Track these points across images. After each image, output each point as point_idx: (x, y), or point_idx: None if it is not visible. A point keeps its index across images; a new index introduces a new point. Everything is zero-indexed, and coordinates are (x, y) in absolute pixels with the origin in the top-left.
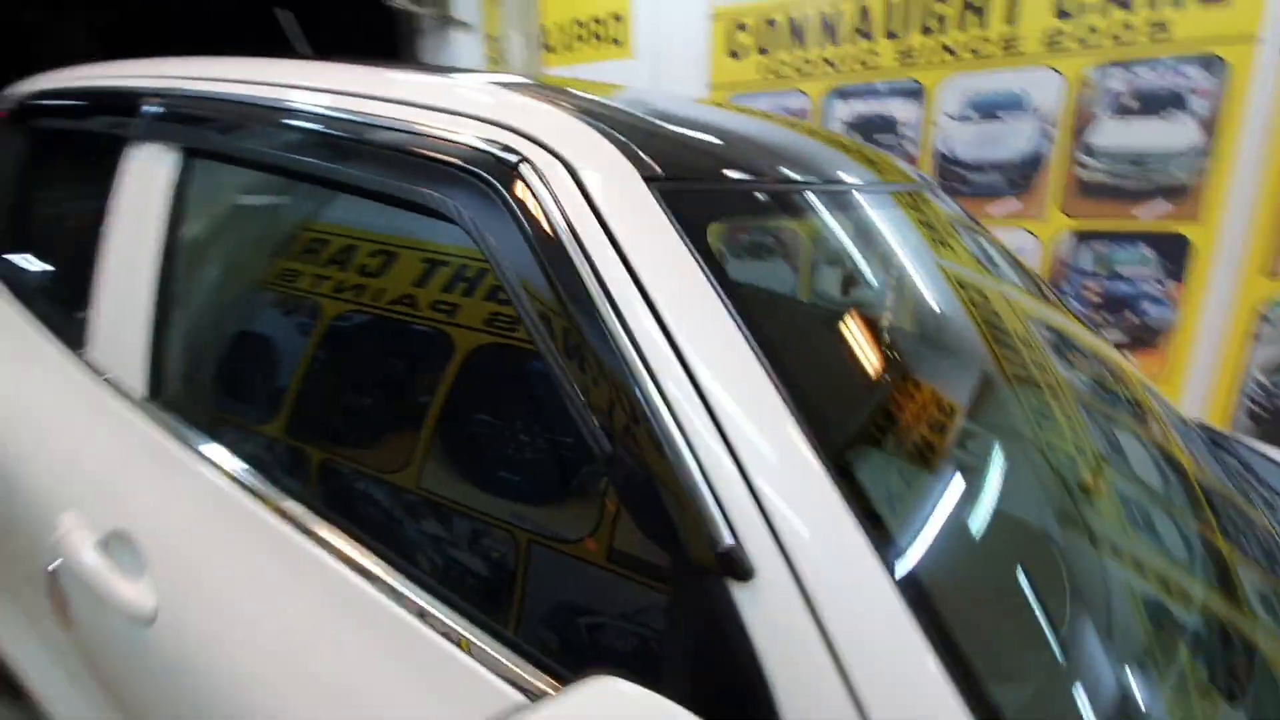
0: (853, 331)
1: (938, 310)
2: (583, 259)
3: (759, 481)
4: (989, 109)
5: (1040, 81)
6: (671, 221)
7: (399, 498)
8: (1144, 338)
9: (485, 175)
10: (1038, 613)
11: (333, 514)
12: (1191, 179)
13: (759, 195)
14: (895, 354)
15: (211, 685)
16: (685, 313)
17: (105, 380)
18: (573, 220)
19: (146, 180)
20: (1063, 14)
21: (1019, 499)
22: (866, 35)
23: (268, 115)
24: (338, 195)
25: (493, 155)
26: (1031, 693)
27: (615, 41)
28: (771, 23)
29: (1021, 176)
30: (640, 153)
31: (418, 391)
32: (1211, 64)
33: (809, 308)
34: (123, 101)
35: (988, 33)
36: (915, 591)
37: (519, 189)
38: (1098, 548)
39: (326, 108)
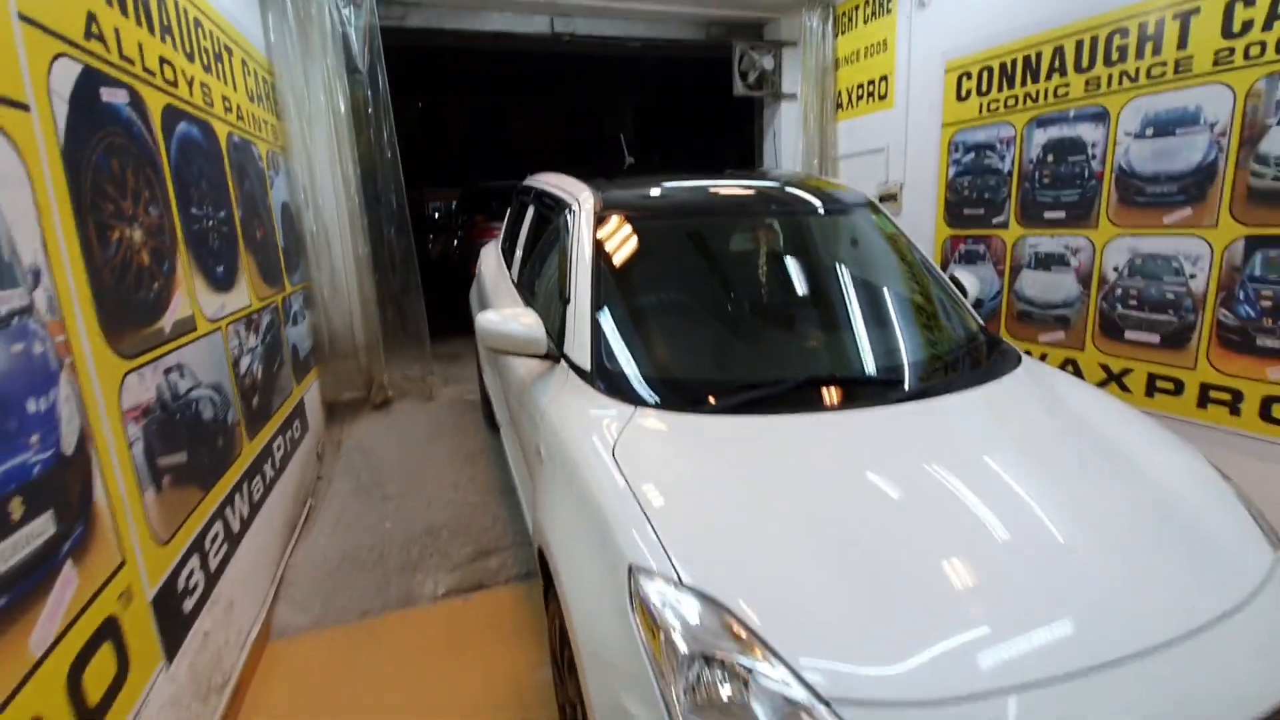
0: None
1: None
2: (576, 225)
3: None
4: (1165, 126)
5: (1212, 97)
6: (596, 223)
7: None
8: None
9: (570, 202)
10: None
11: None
12: None
13: (635, 216)
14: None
15: None
16: (583, 246)
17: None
18: (582, 217)
19: (548, 219)
20: (1229, 34)
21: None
22: (1061, 71)
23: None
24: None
25: (573, 197)
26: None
27: (882, 97)
28: (988, 69)
29: (1195, 186)
30: (604, 200)
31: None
32: None
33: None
34: (526, 190)
35: (1163, 57)
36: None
37: (571, 208)
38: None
39: (548, 185)
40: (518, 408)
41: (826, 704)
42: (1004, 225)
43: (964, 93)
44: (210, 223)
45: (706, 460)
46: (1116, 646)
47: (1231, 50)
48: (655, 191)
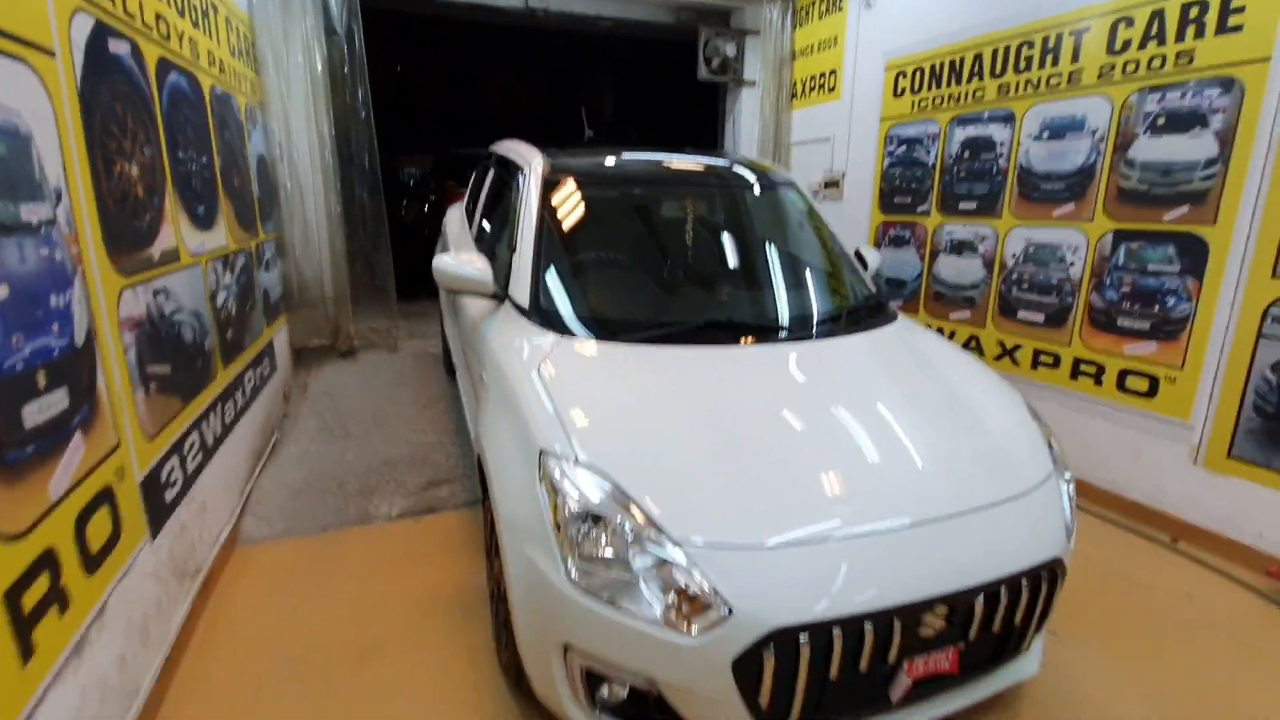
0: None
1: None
2: (526, 186)
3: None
4: (1058, 130)
5: (1095, 107)
6: (543, 185)
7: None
8: (1166, 329)
9: (523, 165)
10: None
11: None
12: (1209, 186)
13: (578, 180)
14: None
15: None
16: (530, 203)
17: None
18: (532, 179)
19: (505, 181)
20: (1111, 50)
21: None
22: (979, 75)
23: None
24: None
25: (526, 161)
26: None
27: (831, 89)
28: (920, 70)
29: (1078, 184)
30: (552, 165)
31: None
32: (1229, 84)
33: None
34: (489, 155)
35: (1060, 68)
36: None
37: (524, 170)
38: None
39: (507, 151)
40: (468, 344)
41: (679, 546)
42: (926, 213)
43: (900, 90)
44: (194, 166)
45: (616, 376)
46: (919, 512)
47: (1113, 66)
48: (599, 161)
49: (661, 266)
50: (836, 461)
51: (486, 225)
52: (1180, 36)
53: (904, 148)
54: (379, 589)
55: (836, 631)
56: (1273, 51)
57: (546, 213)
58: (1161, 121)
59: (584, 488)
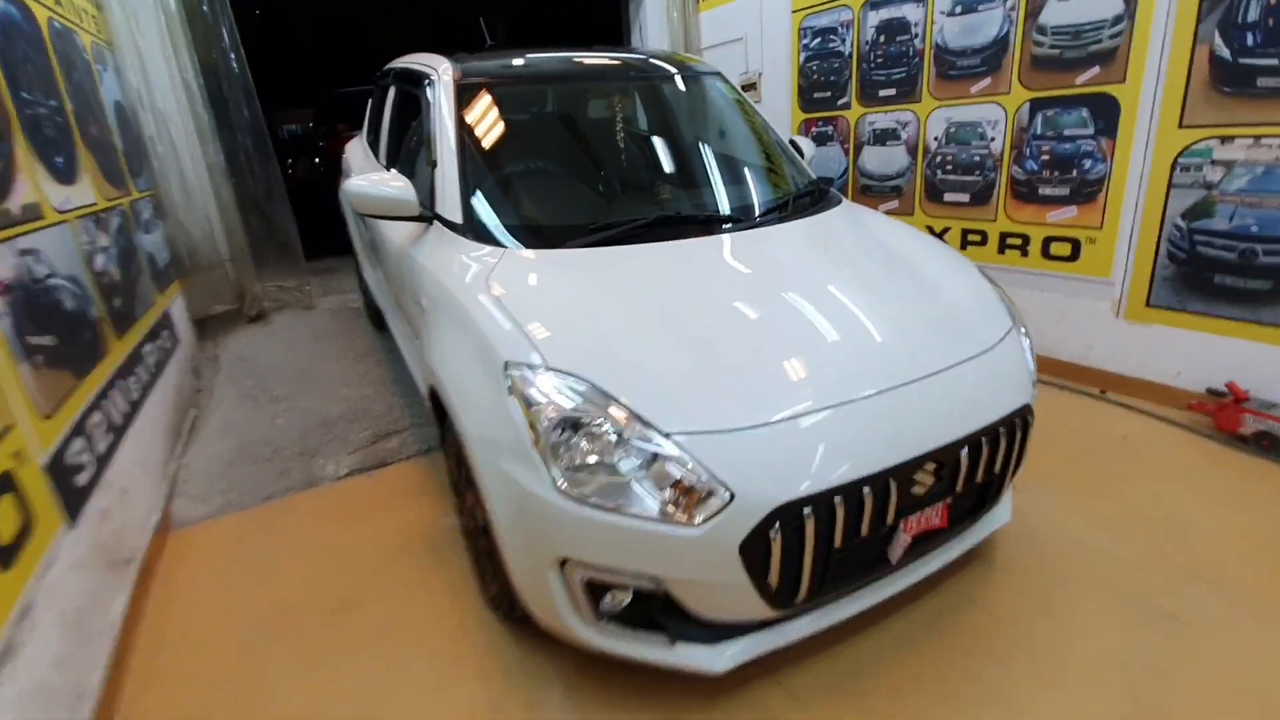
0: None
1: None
2: (437, 95)
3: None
4: (971, 3)
5: None
6: (457, 92)
7: None
8: (1085, 192)
9: (429, 74)
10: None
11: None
12: (1117, 45)
13: (495, 83)
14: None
15: None
16: (445, 113)
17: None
18: (441, 87)
19: (411, 96)
20: None
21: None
22: None
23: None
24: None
25: (432, 69)
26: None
27: None
28: None
29: (993, 57)
30: (463, 70)
31: None
32: None
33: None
34: (385, 73)
35: None
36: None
37: (431, 79)
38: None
39: (408, 64)
40: (398, 276)
41: (668, 436)
42: (847, 106)
43: None
44: (42, 110)
45: (567, 282)
46: (890, 380)
47: None
48: (511, 62)
49: (595, 167)
50: (806, 341)
51: (396, 147)
52: None
53: (819, 40)
54: (342, 543)
55: (838, 500)
56: None
57: (465, 121)
58: None
59: (558, 393)
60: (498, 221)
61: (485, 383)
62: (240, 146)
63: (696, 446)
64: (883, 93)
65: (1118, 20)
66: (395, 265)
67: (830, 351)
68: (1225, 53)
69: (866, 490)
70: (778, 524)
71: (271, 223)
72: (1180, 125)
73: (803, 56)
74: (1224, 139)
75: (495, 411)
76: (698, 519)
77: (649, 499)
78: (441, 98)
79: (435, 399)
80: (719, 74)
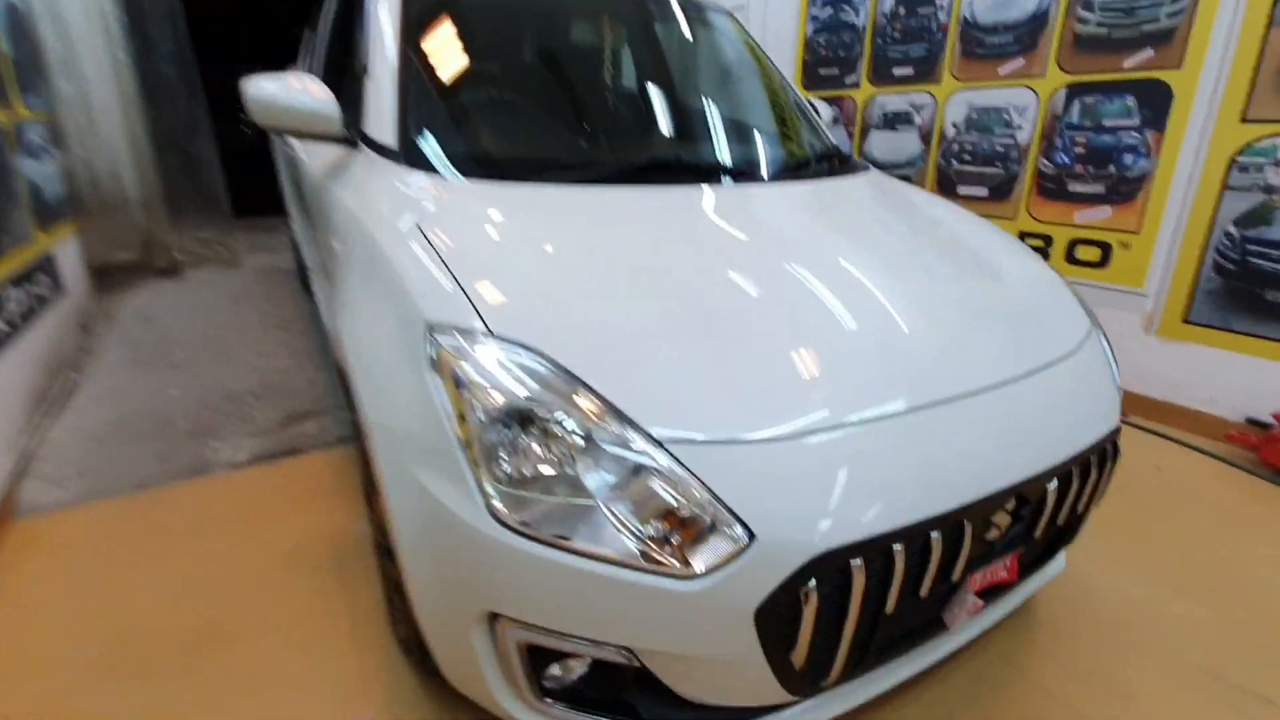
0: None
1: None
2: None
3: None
4: None
5: None
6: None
7: None
8: (1122, 190)
9: None
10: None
11: None
12: (1176, 24)
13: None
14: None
15: None
16: (388, 11)
17: None
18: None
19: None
20: None
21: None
22: None
23: None
24: None
25: None
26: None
27: None
28: None
29: (1028, 35)
30: None
31: None
32: None
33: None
34: None
35: None
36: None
37: None
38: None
39: None
40: (313, 213)
41: (662, 446)
42: (856, 85)
43: None
44: None
45: (532, 225)
46: (942, 390)
47: None
48: None
49: (573, 100)
50: (848, 327)
51: (326, 69)
52: None
53: (829, 9)
54: (226, 550)
55: (897, 549)
56: None
57: (410, 21)
58: None
59: (503, 371)
60: (442, 146)
61: (398, 353)
62: (163, 75)
63: (700, 461)
64: (898, 71)
65: None
66: (312, 199)
67: (880, 344)
68: None
69: (935, 536)
70: (813, 581)
71: (194, 165)
72: (1243, 119)
73: (810, 28)
74: None
75: (409, 393)
76: (698, 567)
77: (625, 533)
78: None
79: (342, 373)
80: (730, 14)
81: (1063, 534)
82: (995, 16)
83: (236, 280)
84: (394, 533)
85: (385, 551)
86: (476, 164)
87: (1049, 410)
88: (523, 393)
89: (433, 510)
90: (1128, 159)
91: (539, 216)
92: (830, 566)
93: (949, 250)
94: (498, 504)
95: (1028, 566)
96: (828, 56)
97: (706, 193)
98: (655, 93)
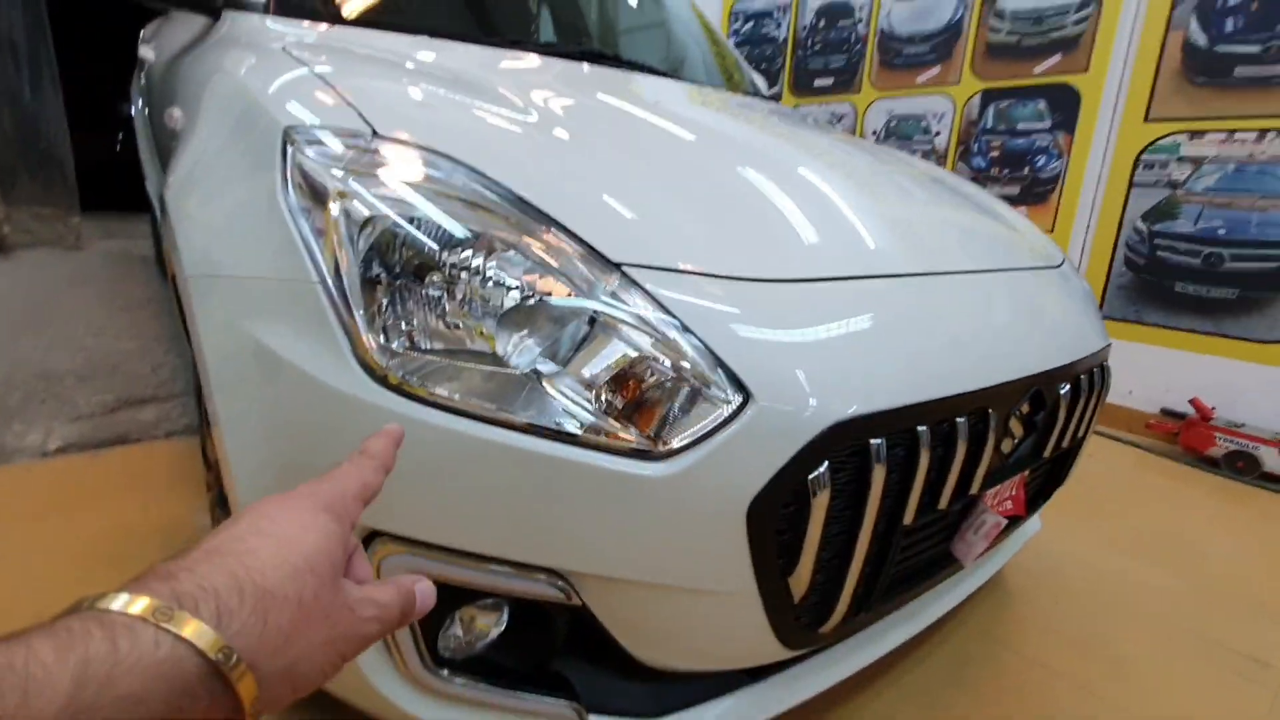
0: None
1: None
2: None
3: None
4: None
5: None
6: None
7: None
8: (1036, 190)
9: None
10: None
11: None
12: (1081, 31)
13: None
14: None
15: None
16: None
17: None
18: None
19: None
20: None
21: None
22: None
23: None
24: None
25: None
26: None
27: None
28: None
29: (944, 44)
30: None
31: None
32: None
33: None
34: None
35: None
36: None
37: None
38: None
39: None
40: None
41: (619, 269)
42: (778, 97)
43: None
44: None
45: (428, 60)
46: (957, 261)
47: None
48: None
49: None
50: (848, 195)
51: None
52: None
53: (751, 24)
54: (20, 550)
55: (923, 430)
56: None
57: None
58: None
59: (402, 186)
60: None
61: (242, 167)
62: (5, 20)
63: (676, 297)
64: (818, 82)
65: (1085, 4)
66: (159, 92)
67: (888, 213)
68: (1201, 39)
69: (961, 422)
70: (825, 464)
71: (32, 126)
72: (1146, 119)
73: (732, 41)
74: (1193, 134)
75: (250, 229)
76: (671, 441)
77: (573, 398)
78: None
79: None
80: None
81: (1062, 463)
82: (912, 27)
83: (79, 263)
84: (213, 414)
85: (212, 467)
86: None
87: (1057, 304)
88: (418, 210)
89: (272, 370)
90: (1040, 160)
91: (440, 56)
92: (845, 445)
93: (917, 176)
94: (377, 356)
95: (1032, 500)
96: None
97: (626, 76)
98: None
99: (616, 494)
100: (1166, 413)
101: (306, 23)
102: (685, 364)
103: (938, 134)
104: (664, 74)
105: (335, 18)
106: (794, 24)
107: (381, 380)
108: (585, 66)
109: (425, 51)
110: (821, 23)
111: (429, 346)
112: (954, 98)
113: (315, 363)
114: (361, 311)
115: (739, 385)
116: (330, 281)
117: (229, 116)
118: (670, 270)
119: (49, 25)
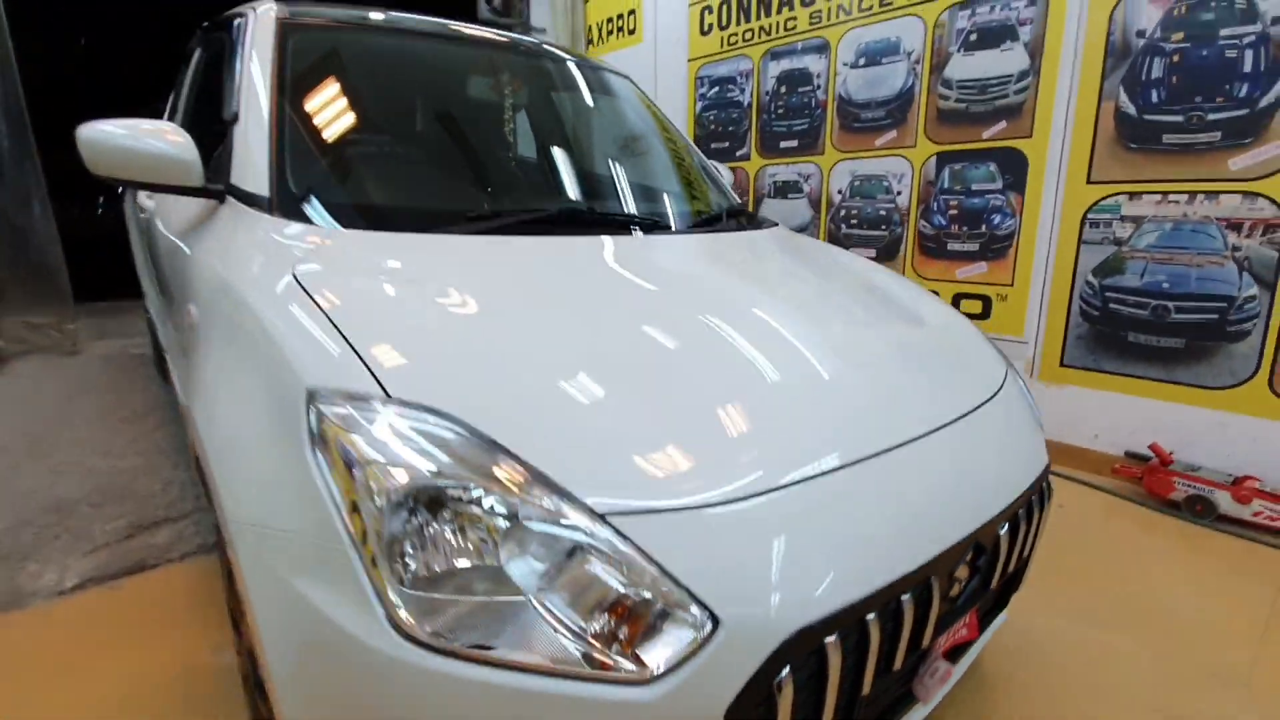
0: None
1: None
2: (249, 34)
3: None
4: (874, 55)
5: (908, 28)
6: (279, 31)
7: None
8: (994, 247)
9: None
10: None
11: None
12: (1023, 100)
13: (338, 27)
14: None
15: None
16: (259, 53)
17: None
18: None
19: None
20: None
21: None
22: (789, 4)
23: (200, 32)
24: None
25: (249, 9)
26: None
27: (631, 31)
28: (726, 3)
29: (898, 110)
30: (290, 10)
31: None
32: None
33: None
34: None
35: None
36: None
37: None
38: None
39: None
40: (174, 283)
41: (603, 519)
42: (746, 157)
43: (706, 27)
44: None
45: (423, 276)
46: (888, 438)
47: None
48: (371, 14)
49: (466, 154)
50: (783, 379)
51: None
52: None
53: (716, 89)
54: (38, 706)
55: (871, 618)
56: None
57: (284, 67)
58: (974, 37)
59: (405, 445)
60: (323, 196)
61: (270, 431)
62: None
63: (647, 534)
64: (784, 144)
65: (1023, 75)
66: (170, 272)
67: (816, 394)
68: (1130, 109)
69: (906, 598)
70: (787, 668)
71: (23, 239)
72: (1088, 181)
73: (699, 105)
74: (1132, 195)
75: (284, 481)
76: (655, 666)
77: (562, 633)
78: (253, 36)
79: (198, 462)
80: (629, 78)
81: (1012, 581)
82: (867, 94)
83: (75, 370)
84: (265, 662)
85: (256, 687)
86: (361, 214)
87: (990, 452)
88: (430, 467)
89: (316, 628)
90: (996, 219)
91: (434, 267)
92: (804, 649)
93: (865, 298)
94: (403, 614)
95: (984, 619)
96: (718, 131)
97: (613, 243)
98: (560, 154)
99: (614, 713)
100: (1131, 455)
101: (312, 237)
102: (662, 596)
103: (899, 193)
104: (640, 222)
105: (338, 215)
106: (756, 90)
107: (405, 632)
108: (557, 246)
109: (427, 256)
110: (783, 89)
111: (437, 574)
112: (911, 160)
113: (343, 613)
114: (388, 567)
115: (709, 611)
116: (353, 544)
117: (251, 354)
118: (638, 511)
119: (34, 141)
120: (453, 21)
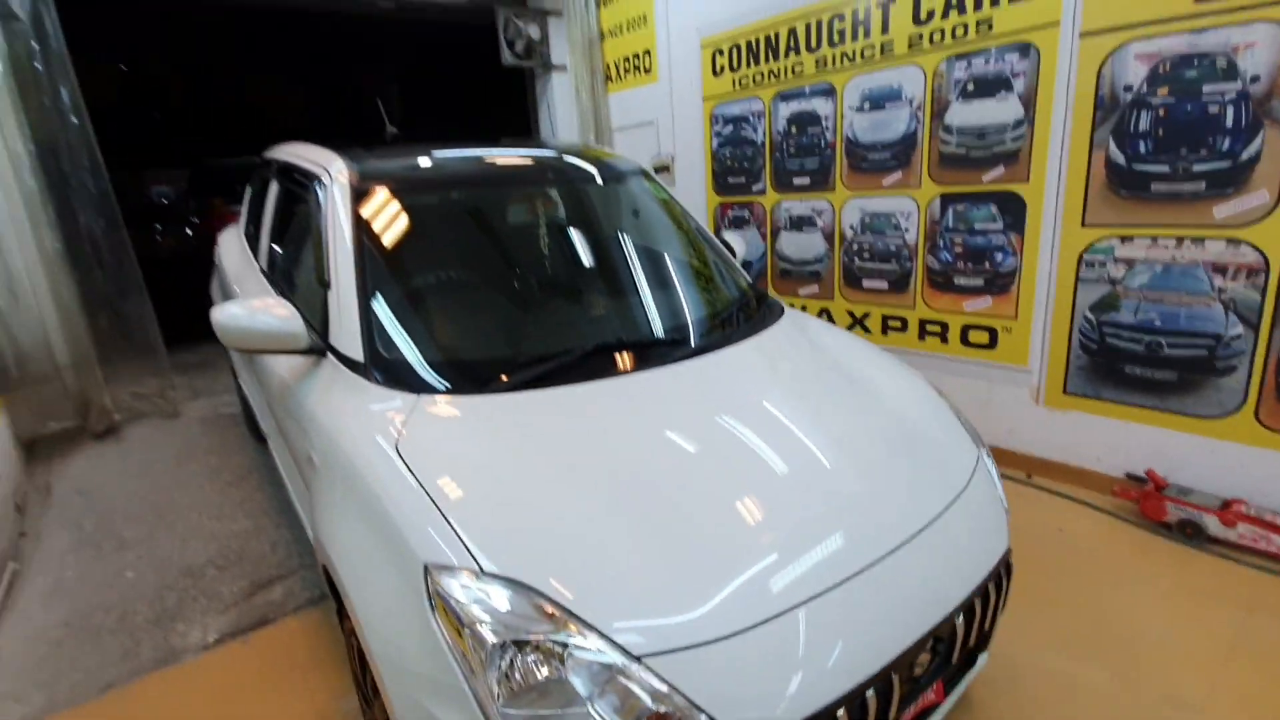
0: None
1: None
2: (329, 201)
3: None
4: (878, 101)
5: (909, 76)
6: (352, 198)
7: None
8: (998, 283)
9: (319, 175)
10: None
11: None
12: (1019, 146)
13: (398, 188)
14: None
15: None
16: (339, 224)
17: None
18: (336, 191)
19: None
20: (917, 21)
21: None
22: (796, 50)
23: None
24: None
25: (323, 169)
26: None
27: (646, 70)
28: (736, 46)
29: (902, 152)
30: (359, 172)
31: None
32: (1026, 49)
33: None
34: (268, 164)
35: (872, 40)
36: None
37: (322, 181)
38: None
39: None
40: (283, 415)
41: (639, 660)
42: (762, 192)
43: (719, 68)
44: None
45: (500, 442)
46: (875, 550)
47: (921, 35)
48: (419, 162)
49: (522, 287)
50: (786, 507)
51: (278, 253)
52: (978, 5)
53: (730, 127)
54: None
55: (841, 714)
56: (1060, 16)
57: (364, 234)
58: (971, 87)
59: (503, 608)
60: (410, 360)
61: (397, 589)
62: (85, 230)
63: (669, 665)
64: (797, 181)
65: (1019, 124)
66: (278, 398)
67: (808, 524)
68: (1120, 159)
69: (870, 694)
70: None
71: (127, 322)
72: (1083, 224)
73: (715, 142)
74: (1124, 238)
75: (413, 631)
76: None
77: None
78: (335, 204)
79: (330, 575)
80: (642, 171)
81: (977, 648)
82: (872, 136)
83: (179, 433)
84: None
85: None
86: (438, 373)
87: (954, 551)
88: (520, 623)
89: None
90: (998, 256)
91: (501, 429)
92: None
93: (866, 396)
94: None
95: (951, 682)
96: (734, 166)
97: (650, 376)
98: (591, 272)
99: None
100: (1130, 477)
101: (404, 406)
102: (677, 707)
103: (907, 230)
104: (666, 342)
105: (424, 377)
106: (769, 129)
107: None
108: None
109: (501, 419)
110: (793, 129)
111: (527, 687)
112: (917, 199)
113: None
114: (496, 690)
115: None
116: (466, 679)
117: (373, 523)
118: (668, 651)
119: (127, 236)
120: (485, 149)
